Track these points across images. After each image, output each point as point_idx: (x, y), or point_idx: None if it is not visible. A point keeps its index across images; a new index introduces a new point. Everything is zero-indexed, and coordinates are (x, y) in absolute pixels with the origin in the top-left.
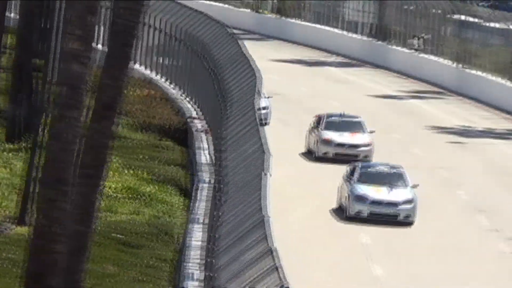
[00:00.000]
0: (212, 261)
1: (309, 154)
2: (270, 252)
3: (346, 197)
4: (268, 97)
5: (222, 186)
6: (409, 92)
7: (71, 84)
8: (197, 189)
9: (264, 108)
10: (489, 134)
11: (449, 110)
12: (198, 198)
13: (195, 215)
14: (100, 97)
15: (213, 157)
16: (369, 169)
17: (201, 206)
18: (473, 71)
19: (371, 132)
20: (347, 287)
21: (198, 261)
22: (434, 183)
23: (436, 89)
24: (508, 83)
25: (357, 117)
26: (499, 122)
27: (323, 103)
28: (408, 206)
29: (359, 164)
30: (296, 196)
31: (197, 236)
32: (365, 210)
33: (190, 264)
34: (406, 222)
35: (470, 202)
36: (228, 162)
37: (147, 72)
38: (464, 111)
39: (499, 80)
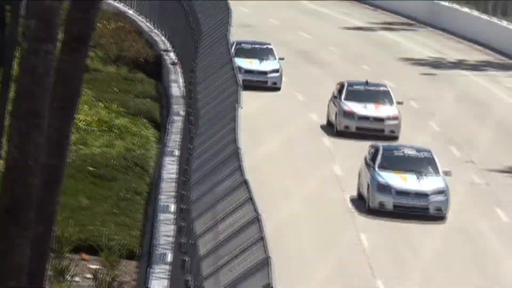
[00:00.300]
0: (185, 193)
1: (330, 127)
2: (243, 183)
3: (367, 185)
4: (280, 59)
5: (194, 118)
6: (380, 24)
7: (43, 17)
8: (169, 122)
9: (274, 71)
10: (459, 65)
11: (420, 41)
12: (171, 130)
13: (168, 147)
14: (70, 29)
15: (185, 90)
16: (393, 153)
17: (174, 138)
18: (444, 3)
19: (399, 103)
20: (320, 216)
21: (172, 193)
22: (405, 114)
23: (407, 20)
24: (478, 14)
25: (383, 86)
26: (470, 53)
27: (294, 34)
28: (439, 198)
29: (382, 146)
30: (268, 127)
31: (170, 168)
32: (389, 201)
33: (163, 197)
34: (438, 216)
35: (441, 133)
36: (200, 94)
37: (119, 5)
38: (435, 42)
39: (470, 11)
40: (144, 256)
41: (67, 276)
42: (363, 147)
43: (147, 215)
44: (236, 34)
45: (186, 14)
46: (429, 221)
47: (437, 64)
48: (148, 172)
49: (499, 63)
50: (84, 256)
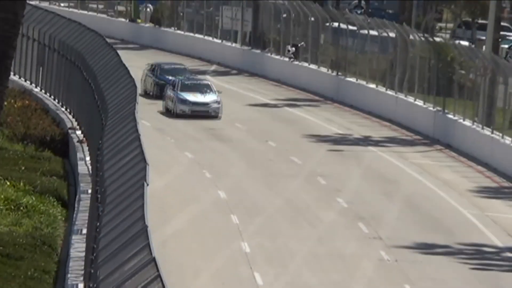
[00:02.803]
0: (93, 271)
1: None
2: (152, 261)
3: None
4: (219, 92)
5: (101, 196)
6: (286, 100)
7: None
8: (77, 200)
9: (216, 102)
10: (366, 141)
11: (327, 117)
12: (79, 208)
13: (75, 225)
14: None
15: (92, 168)
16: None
17: (82, 216)
18: (350, 79)
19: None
20: None
21: (80, 272)
22: (313, 191)
23: (313, 96)
24: (384, 90)
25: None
26: (377, 129)
27: None
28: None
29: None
30: (176, 204)
31: (78, 247)
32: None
33: (71, 275)
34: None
35: (349, 209)
36: (107, 172)
37: (25, 83)
38: (342, 118)
39: (376, 87)
40: None
41: None
42: (271, 225)
43: None
44: (143, 111)
45: (92, 91)
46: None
47: (344, 140)
48: (56, 250)
49: (405, 139)
50: None
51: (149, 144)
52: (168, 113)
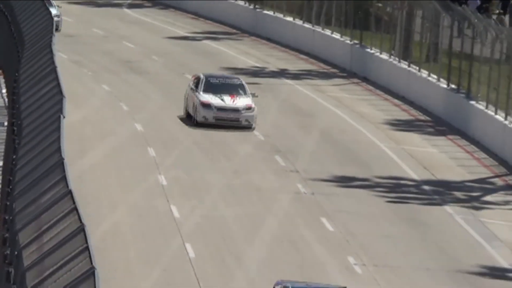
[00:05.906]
0: (9, 204)
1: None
2: (68, 194)
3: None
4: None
5: (17, 128)
6: (203, 33)
7: None
8: None
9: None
10: (283, 74)
11: (244, 50)
12: None
13: None
14: None
15: (8, 100)
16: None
17: None
18: (267, 12)
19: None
20: (145, 225)
21: None
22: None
23: (230, 29)
24: (302, 23)
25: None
26: (294, 62)
27: (117, 44)
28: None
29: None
30: (92, 136)
31: None
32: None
33: None
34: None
35: (266, 142)
36: (23, 104)
37: None
38: (259, 51)
39: (293, 20)
40: None
41: None
42: (188, 158)
43: None
44: (60, 43)
45: (9, 23)
46: (254, 231)
47: (261, 73)
48: None
49: (322, 72)
50: None
51: (66, 76)
52: None
